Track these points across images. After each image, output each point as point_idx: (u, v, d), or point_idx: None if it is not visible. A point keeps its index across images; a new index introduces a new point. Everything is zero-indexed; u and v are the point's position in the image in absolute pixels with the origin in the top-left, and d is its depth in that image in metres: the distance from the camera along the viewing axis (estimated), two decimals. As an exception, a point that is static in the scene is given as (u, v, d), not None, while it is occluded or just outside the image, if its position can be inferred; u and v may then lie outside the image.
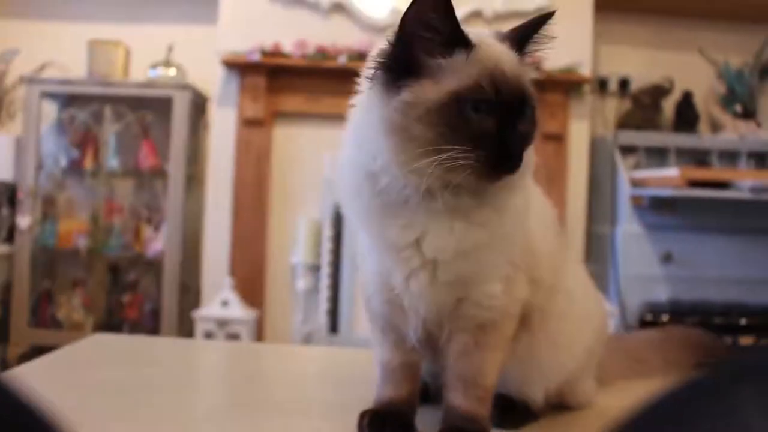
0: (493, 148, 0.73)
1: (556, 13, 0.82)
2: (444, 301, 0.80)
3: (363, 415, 0.83)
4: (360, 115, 0.79)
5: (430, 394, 0.96)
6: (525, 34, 0.80)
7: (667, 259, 3.59)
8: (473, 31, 0.79)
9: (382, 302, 0.85)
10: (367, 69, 0.77)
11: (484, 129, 0.73)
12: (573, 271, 0.96)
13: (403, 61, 0.74)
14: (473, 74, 0.74)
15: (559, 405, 0.94)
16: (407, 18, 0.74)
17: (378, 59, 0.76)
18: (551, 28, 0.82)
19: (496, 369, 0.83)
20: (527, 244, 0.83)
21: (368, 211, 0.79)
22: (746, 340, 3.38)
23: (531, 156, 0.80)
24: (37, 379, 1.05)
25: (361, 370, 1.15)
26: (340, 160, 0.82)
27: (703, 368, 0.31)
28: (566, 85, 3.84)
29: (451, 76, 0.74)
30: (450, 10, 0.74)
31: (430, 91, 0.73)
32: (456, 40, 0.75)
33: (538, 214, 0.88)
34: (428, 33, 0.74)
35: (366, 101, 0.77)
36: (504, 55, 0.78)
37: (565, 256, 0.95)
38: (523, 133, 0.75)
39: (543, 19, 0.80)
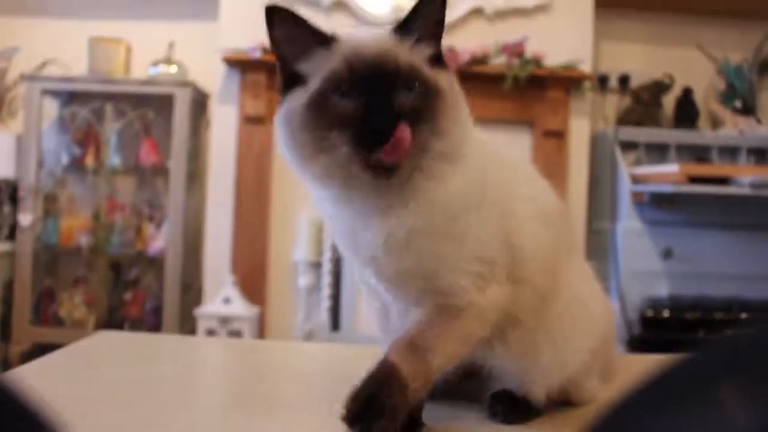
0: (353, 126, 0.72)
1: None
2: (402, 293, 0.82)
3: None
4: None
5: (435, 390, 0.97)
6: (408, 15, 0.79)
7: (667, 254, 3.60)
8: (353, 30, 0.80)
9: (372, 308, 0.90)
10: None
11: (345, 110, 0.73)
12: (579, 270, 0.95)
13: (290, 81, 0.78)
14: (331, 65, 0.76)
15: (563, 402, 0.94)
16: (271, 41, 0.77)
17: (276, 88, 0.80)
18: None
19: (446, 352, 0.79)
20: (506, 240, 0.81)
21: (330, 214, 0.83)
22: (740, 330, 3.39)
23: (453, 140, 0.77)
24: (43, 377, 1.05)
25: (365, 367, 1.16)
26: None
27: (685, 358, 0.31)
28: (567, 81, 3.85)
29: (315, 76, 0.76)
30: (296, 17, 0.76)
31: (301, 95, 0.76)
32: (316, 41, 0.77)
33: (528, 209, 0.86)
34: (290, 45, 0.77)
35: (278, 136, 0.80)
36: (365, 40, 0.78)
37: (570, 254, 0.93)
38: (400, 107, 0.74)
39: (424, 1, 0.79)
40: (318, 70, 0.76)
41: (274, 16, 0.76)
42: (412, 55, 0.78)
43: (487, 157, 0.84)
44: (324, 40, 0.77)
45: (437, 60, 0.80)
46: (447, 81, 0.79)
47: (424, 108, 0.75)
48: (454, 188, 0.78)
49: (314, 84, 0.76)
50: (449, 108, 0.78)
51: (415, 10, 0.79)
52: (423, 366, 0.77)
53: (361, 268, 0.84)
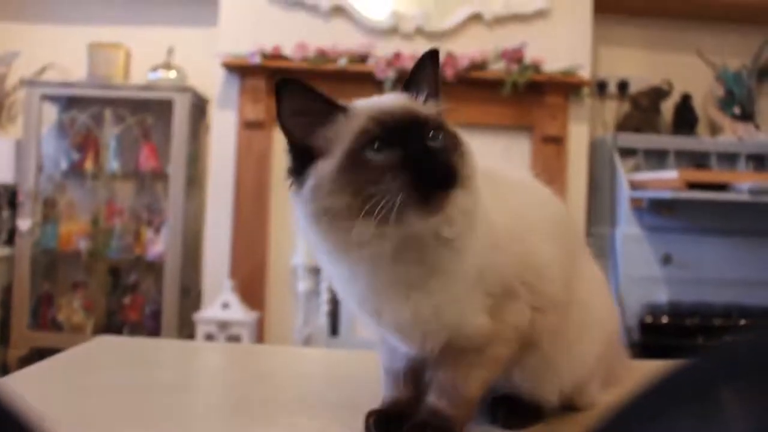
0: (410, 169, 0.70)
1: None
2: (424, 347, 0.81)
3: (369, 415, 0.84)
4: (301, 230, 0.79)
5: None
6: (410, 77, 0.80)
7: (666, 260, 3.60)
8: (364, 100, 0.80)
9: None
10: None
11: (391, 160, 0.71)
12: (589, 276, 0.95)
13: (301, 158, 0.76)
14: (356, 126, 0.74)
15: (566, 406, 0.94)
16: (281, 118, 0.75)
17: (287, 171, 0.78)
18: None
19: (479, 383, 0.82)
20: (524, 263, 0.82)
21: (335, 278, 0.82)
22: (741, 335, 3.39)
23: (473, 193, 0.76)
24: (42, 381, 1.05)
25: (364, 371, 1.16)
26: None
27: (685, 364, 0.31)
28: (566, 87, 3.86)
29: (339, 142, 0.74)
30: (309, 90, 0.75)
31: (327, 164, 0.73)
32: (331, 111, 0.75)
33: (537, 223, 0.86)
34: (303, 119, 0.75)
35: (297, 216, 0.78)
36: (382, 99, 0.79)
37: (580, 260, 0.94)
38: (435, 149, 0.73)
39: (424, 59, 0.80)
40: (339, 137, 0.74)
41: (286, 89, 0.75)
42: (428, 108, 0.78)
43: (492, 195, 0.82)
44: (337, 110, 0.76)
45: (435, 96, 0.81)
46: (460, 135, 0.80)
47: (450, 151, 0.75)
48: (472, 259, 0.77)
49: (341, 148, 0.73)
50: (469, 158, 0.77)
51: (415, 71, 0.80)
52: (460, 401, 0.81)
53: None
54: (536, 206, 0.89)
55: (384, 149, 0.72)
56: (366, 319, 0.82)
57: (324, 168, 0.73)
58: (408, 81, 0.81)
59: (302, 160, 0.75)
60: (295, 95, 0.75)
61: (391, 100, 0.79)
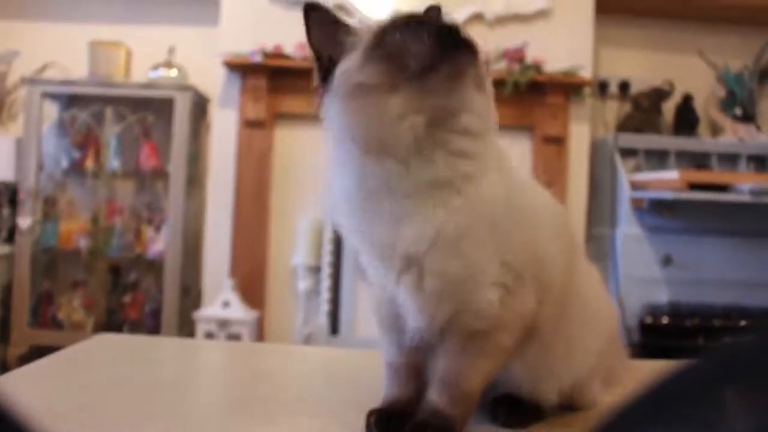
0: (434, 34, 0.75)
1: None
2: (435, 314, 0.79)
3: (370, 414, 0.83)
4: (328, 129, 0.80)
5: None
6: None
7: (667, 261, 3.60)
8: None
9: (384, 303, 0.86)
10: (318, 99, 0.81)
11: (417, 32, 0.76)
12: (586, 272, 0.95)
13: (328, 69, 0.80)
14: (384, 21, 0.79)
15: (566, 405, 0.94)
16: (309, 39, 0.81)
17: (315, 82, 0.81)
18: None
19: (481, 375, 0.81)
20: (533, 252, 0.81)
21: (357, 212, 0.79)
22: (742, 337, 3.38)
23: (483, 109, 0.79)
24: (42, 379, 1.05)
25: (364, 370, 1.16)
26: (327, 181, 0.83)
27: (686, 365, 0.31)
28: (567, 87, 3.85)
29: (361, 41, 0.78)
30: (331, 12, 0.82)
31: (352, 56, 0.78)
32: (351, 28, 0.81)
33: (544, 219, 0.86)
34: (328, 38, 0.80)
35: (326, 115, 0.80)
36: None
37: (577, 258, 0.93)
38: (457, 26, 0.78)
39: (429, 11, 0.84)
40: (360, 40, 0.78)
41: (312, 13, 0.81)
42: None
43: (512, 169, 0.84)
44: (358, 26, 0.81)
45: None
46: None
47: (473, 52, 0.79)
48: (495, 190, 0.77)
49: (365, 38, 0.78)
50: (483, 71, 0.80)
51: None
52: (461, 396, 0.80)
53: (394, 278, 0.79)
54: (540, 204, 0.88)
55: (408, 29, 0.76)
56: (376, 266, 0.81)
57: (348, 60, 0.77)
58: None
59: (330, 70, 0.79)
60: (321, 18, 0.81)
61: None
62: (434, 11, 0.83)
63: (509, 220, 0.78)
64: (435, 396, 0.80)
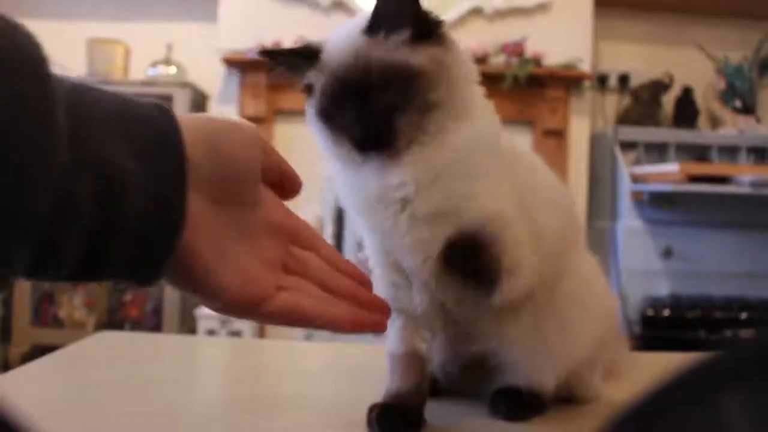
0: (350, 134, 0.77)
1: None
2: (434, 246, 0.77)
3: (372, 409, 0.83)
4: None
5: (439, 388, 0.96)
6: (374, 11, 0.79)
7: (667, 253, 3.60)
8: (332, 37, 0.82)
9: (386, 282, 0.85)
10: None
11: (340, 121, 0.78)
12: (586, 259, 0.95)
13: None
14: (321, 81, 0.80)
15: (567, 398, 0.94)
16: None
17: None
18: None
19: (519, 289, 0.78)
20: (524, 213, 0.80)
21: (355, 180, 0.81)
22: (747, 334, 3.39)
23: (453, 103, 0.78)
24: (43, 377, 1.05)
25: (365, 365, 1.16)
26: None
27: (685, 369, 0.31)
28: (566, 81, 3.85)
29: (316, 87, 0.81)
30: (280, 52, 0.86)
31: (311, 104, 0.82)
32: (308, 57, 0.81)
33: (544, 190, 0.86)
34: (288, 71, 0.83)
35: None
36: (340, 49, 0.79)
37: (575, 237, 0.93)
38: (377, 110, 0.76)
39: None
40: (317, 82, 0.80)
41: (268, 61, 0.83)
42: (386, 47, 0.77)
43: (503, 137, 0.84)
44: (313, 54, 0.80)
45: (420, 34, 0.78)
46: (427, 55, 0.77)
47: (403, 96, 0.76)
48: (469, 133, 0.78)
49: (314, 97, 0.80)
50: (434, 81, 0.77)
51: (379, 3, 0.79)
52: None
53: (390, 222, 0.79)
54: (541, 173, 0.89)
55: (336, 106, 0.78)
56: (375, 213, 0.80)
57: (310, 108, 0.82)
58: (373, 13, 0.79)
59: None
60: (275, 60, 0.83)
61: (345, 47, 0.79)
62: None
63: (490, 159, 0.79)
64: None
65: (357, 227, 0.87)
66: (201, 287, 0.57)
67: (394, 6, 0.78)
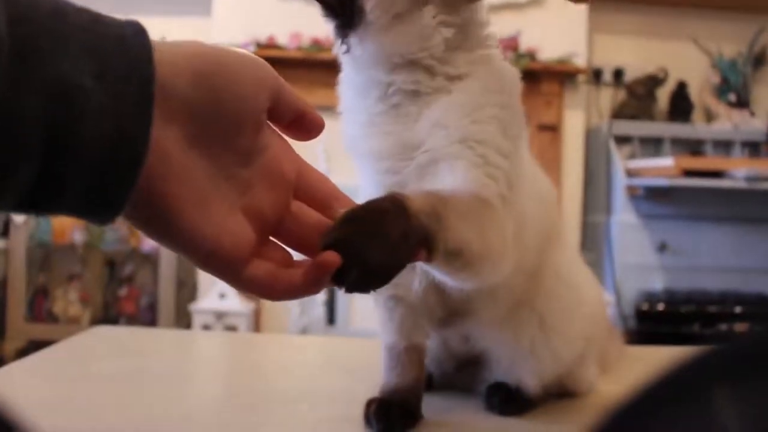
0: None
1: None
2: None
3: (369, 404, 0.83)
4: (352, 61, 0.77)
5: (433, 383, 0.96)
6: None
7: (662, 248, 3.61)
8: None
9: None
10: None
11: None
12: (568, 255, 0.92)
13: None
14: None
15: (561, 393, 0.94)
16: None
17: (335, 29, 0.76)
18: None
19: (465, 228, 0.64)
20: (517, 207, 0.75)
21: (361, 134, 0.76)
22: (741, 329, 3.40)
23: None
24: (38, 372, 1.05)
25: (362, 360, 1.16)
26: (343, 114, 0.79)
27: (679, 364, 0.31)
28: (561, 75, 3.85)
29: None
30: None
31: None
32: None
33: (533, 182, 0.83)
34: None
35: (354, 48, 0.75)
36: None
37: (557, 241, 0.89)
38: None
39: None
40: None
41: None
42: None
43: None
44: None
45: None
46: None
47: None
48: (484, 79, 0.81)
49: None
50: None
51: None
52: (436, 211, 0.60)
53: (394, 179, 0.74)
54: (530, 173, 0.85)
55: None
56: (381, 175, 0.76)
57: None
58: None
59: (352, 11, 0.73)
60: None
61: None
62: None
63: (499, 112, 0.82)
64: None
65: (366, 184, 0.78)
66: (169, 236, 0.50)
67: None
